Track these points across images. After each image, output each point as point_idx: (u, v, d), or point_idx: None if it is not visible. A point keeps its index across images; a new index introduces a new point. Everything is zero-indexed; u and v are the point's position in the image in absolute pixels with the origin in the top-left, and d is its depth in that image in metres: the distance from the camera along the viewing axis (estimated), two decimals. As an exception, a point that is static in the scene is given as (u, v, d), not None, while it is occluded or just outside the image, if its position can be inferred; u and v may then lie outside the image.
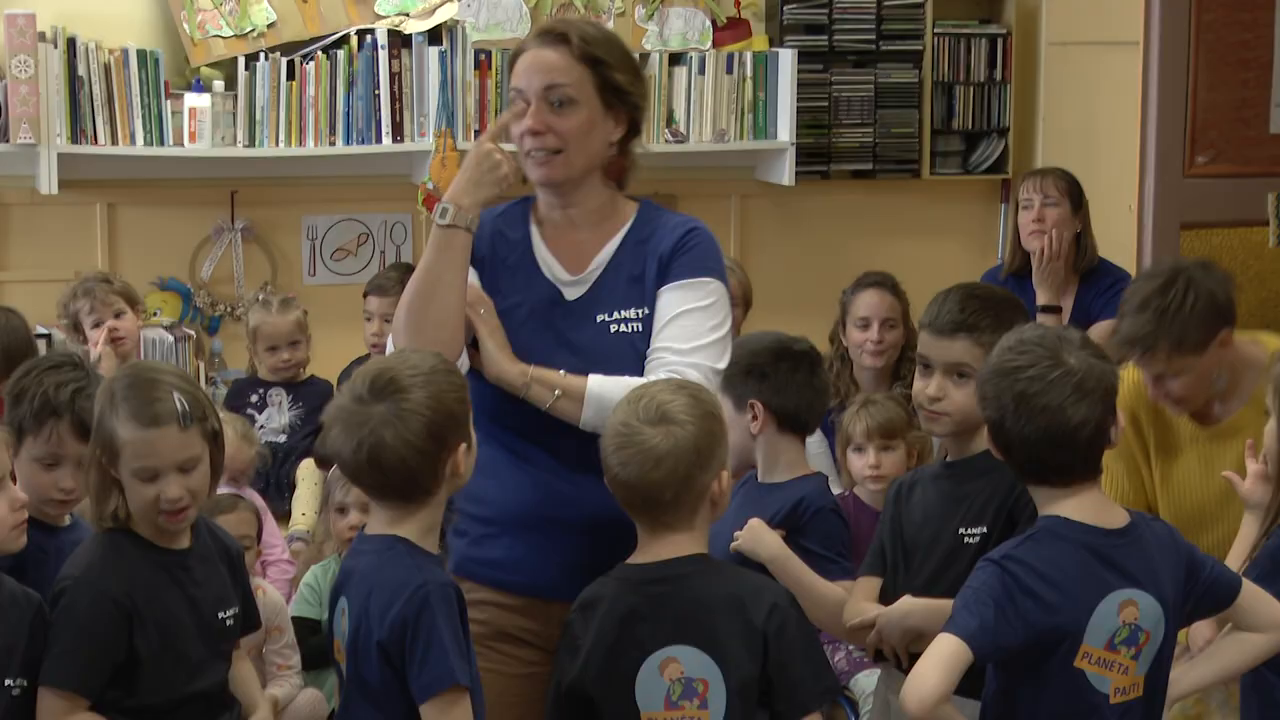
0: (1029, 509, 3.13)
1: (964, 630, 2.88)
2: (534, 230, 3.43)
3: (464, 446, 3.05)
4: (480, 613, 3.30)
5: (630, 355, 3.32)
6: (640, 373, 3.29)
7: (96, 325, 5.39)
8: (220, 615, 3.15)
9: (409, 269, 5.98)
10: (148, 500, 3.05)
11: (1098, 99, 6.57)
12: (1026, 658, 2.94)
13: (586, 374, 3.27)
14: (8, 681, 2.96)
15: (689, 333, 3.30)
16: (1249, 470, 3.60)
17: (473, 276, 3.36)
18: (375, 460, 2.96)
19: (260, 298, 6.07)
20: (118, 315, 5.42)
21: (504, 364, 3.31)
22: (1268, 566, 3.39)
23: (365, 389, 2.98)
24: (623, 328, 3.33)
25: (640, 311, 3.34)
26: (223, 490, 4.41)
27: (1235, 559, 3.50)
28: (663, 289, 3.33)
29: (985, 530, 3.26)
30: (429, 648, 2.92)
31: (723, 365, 3.34)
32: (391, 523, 3.04)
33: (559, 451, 3.33)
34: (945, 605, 3.07)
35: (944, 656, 2.86)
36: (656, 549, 3.09)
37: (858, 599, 3.44)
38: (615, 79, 3.34)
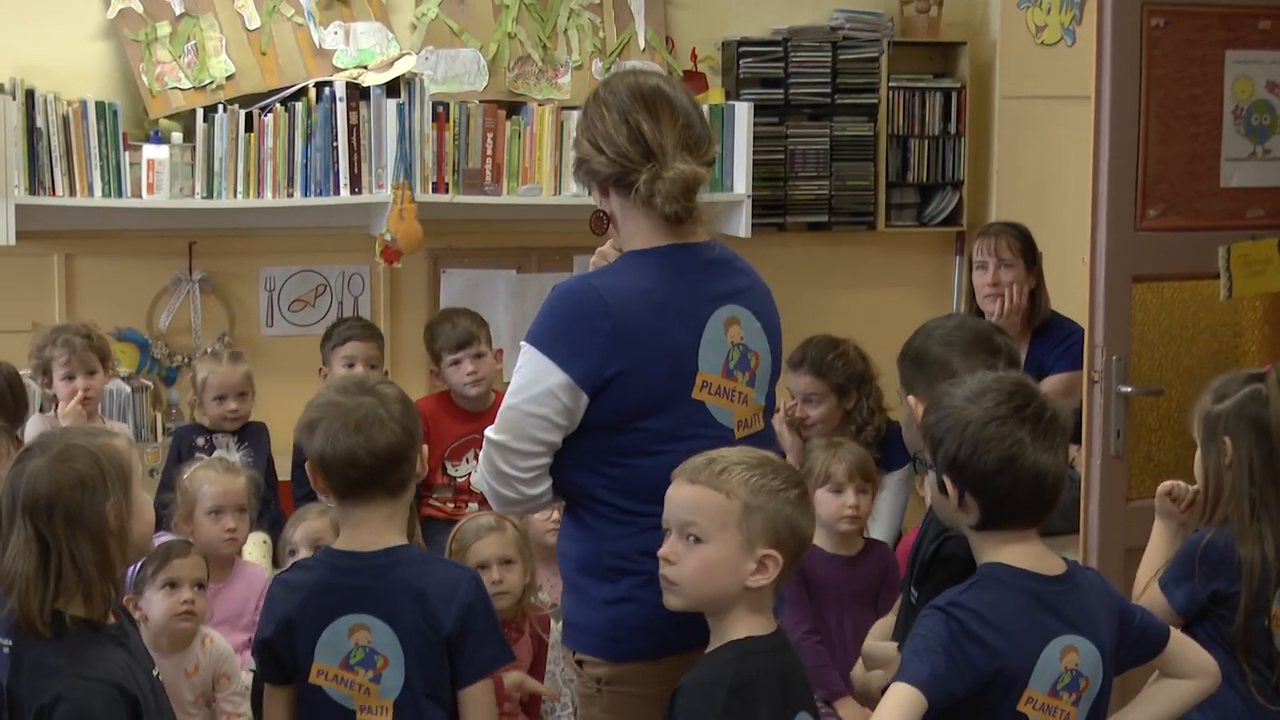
0: (946, 569, 3.18)
1: (917, 679, 2.89)
2: None
3: (425, 447, 3.33)
4: None
5: None
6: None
7: (67, 378, 5.37)
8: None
9: (365, 325, 6.02)
10: None
11: (1051, 152, 6.63)
12: (972, 703, 2.95)
13: None
14: None
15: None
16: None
17: None
18: (372, 441, 3.21)
19: (210, 350, 6.07)
20: (90, 373, 5.40)
21: None
22: (1176, 571, 3.67)
23: (346, 387, 3.30)
24: None
25: None
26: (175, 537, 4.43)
27: (1149, 568, 3.74)
28: None
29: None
30: (490, 628, 3.28)
31: (497, 436, 3.32)
32: (379, 532, 3.28)
33: None
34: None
35: (900, 706, 2.87)
36: (769, 616, 3.14)
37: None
38: (575, 154, 3.44)
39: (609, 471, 3.33)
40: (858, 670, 3.41)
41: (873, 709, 3.02)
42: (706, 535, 3.03)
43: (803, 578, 4.67)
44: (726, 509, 3.03)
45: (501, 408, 3.35)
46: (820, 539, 4.79)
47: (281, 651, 3.30)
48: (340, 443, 3.22)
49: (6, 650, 3.05)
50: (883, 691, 2.95)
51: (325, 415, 3.25)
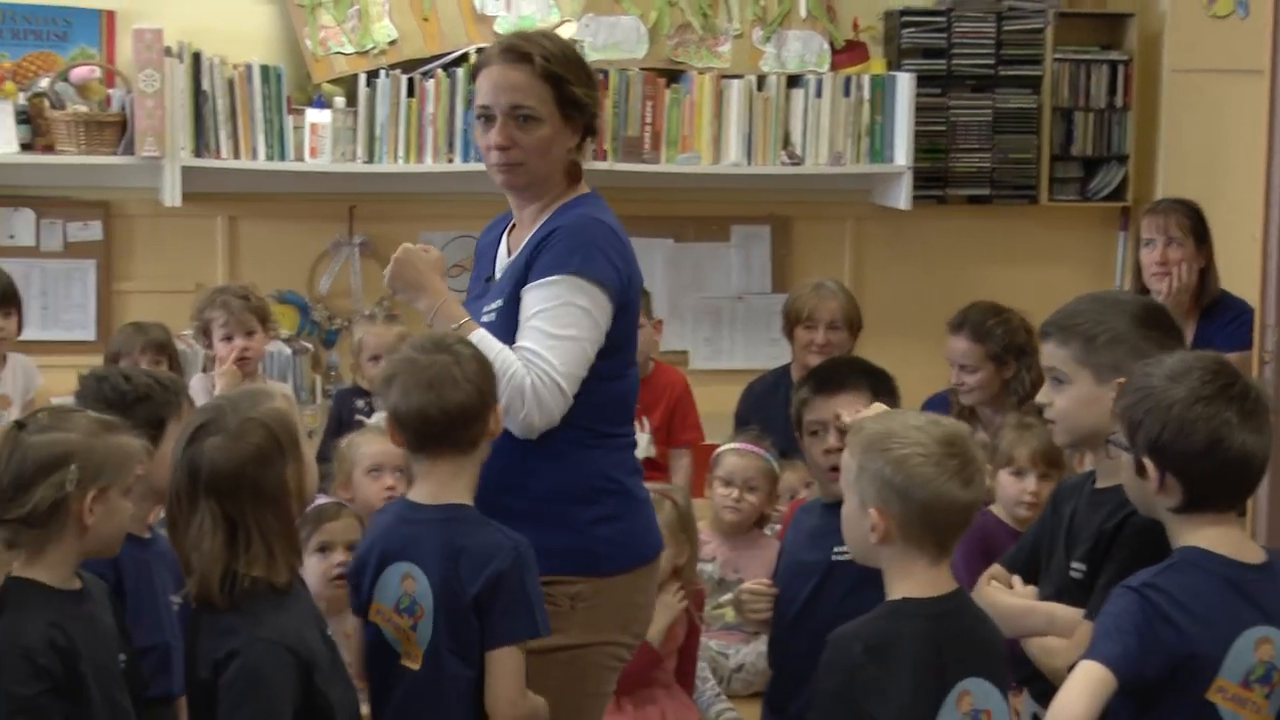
0: (1131, 546, 3.12)
1: (1108, 657, 2.84)
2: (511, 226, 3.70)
3: (499, 404, 3.36)
4: None
5: None
6: None
7: (226, 339, 5.41)
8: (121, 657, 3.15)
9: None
10: None
11: (1221, 127, 6.50)
12: (1160, 687, 2.89)
13: None
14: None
15: (537, 336, 3.42)
16: None
17: None
18: (444, 399, 3.27)
19: (366, 313, 6.12)
20: (249, 334, 5.45)
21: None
22: None
23: (424, 344, 3.36)
24: (485, 319, 3.53)
25: (497, 304, 3.53)
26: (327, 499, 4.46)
27: None
28: (524, 290, 3.49)
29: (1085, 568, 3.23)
30: (521, 599, 3.28)
31: (573, 370, 3.41)
32: (444, 486, 3.34)
33: None
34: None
35: (1089, 684, 2.83)
36: (936, 579, 3.05)
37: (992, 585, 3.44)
38: (574, 93, 3.53)
39: (584, 398, 3.46)
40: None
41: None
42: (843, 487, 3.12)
43: (984, 555, 4.56)
44: (848, 467, 3.08)
45: (559, 342, 3.41)
46: (1002, 513, 4.74)
47: (358, 585, 3.41)
48: (413, 399, 3.30)
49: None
50: (1069, 670, 2.90)
51: (401, 371, 3.34)
